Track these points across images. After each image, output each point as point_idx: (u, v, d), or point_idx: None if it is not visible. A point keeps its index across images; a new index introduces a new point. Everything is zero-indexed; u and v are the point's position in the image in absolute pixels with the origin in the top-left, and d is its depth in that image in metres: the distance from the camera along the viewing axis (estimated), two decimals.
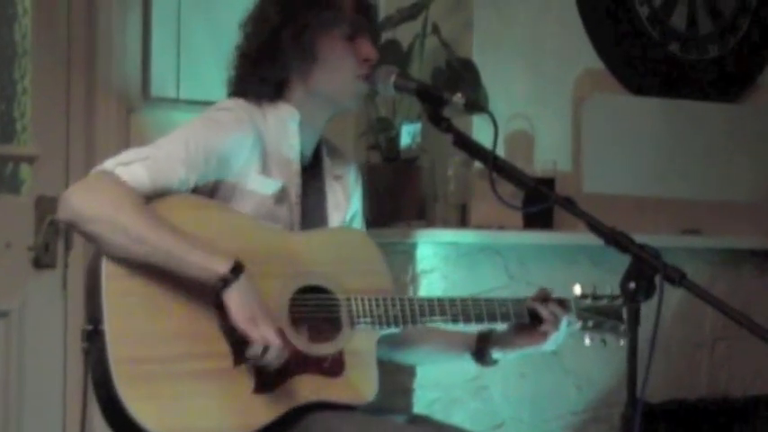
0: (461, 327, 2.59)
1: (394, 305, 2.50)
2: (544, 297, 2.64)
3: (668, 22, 4.02)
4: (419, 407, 3.32)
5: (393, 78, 2.51)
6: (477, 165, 2.56)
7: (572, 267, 3.59)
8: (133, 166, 2.30)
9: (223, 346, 2.30)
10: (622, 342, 2.66)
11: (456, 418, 3.31)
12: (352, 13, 2.55)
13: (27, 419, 3.28)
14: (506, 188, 2.41)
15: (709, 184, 3.98)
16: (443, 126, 2.45)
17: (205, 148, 2.40)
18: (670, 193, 3.90)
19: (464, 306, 2.57)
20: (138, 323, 2.26)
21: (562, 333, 2.65)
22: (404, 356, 2.76)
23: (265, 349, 2.25)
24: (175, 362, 2.26)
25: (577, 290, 2.69)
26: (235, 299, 2.26)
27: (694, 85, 4.05)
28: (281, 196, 2.51)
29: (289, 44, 2.51)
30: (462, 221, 3.54)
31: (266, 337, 2.25)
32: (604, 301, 2.69)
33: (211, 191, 2.44)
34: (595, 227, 2.24)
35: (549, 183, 3.48)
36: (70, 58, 3.34)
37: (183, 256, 2.25)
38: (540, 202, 2.40)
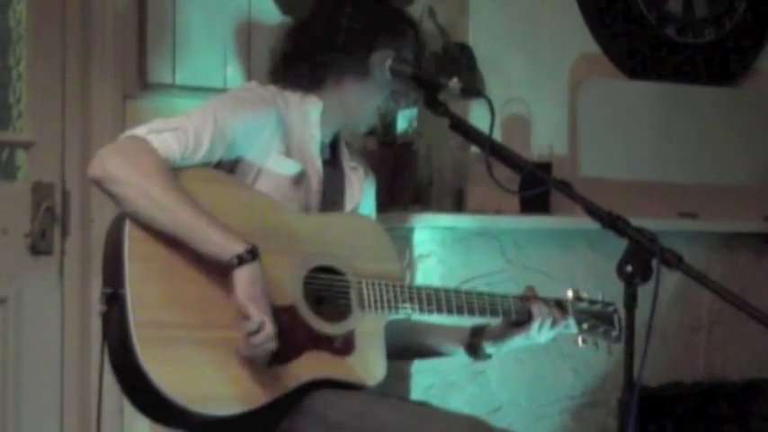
0: (465, 318, 2.64)
1: (403, 292, 2.55)
2: (536, 295, 2.68)
3: (664, 6, 4.01)
4: (416, 392, 3.32)
5: (389, 63, 2.51)
6: (474, 149, 2.55)
7: (569, 251, 3.59)
8: (165, 135, 2.36)
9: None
10: (613, 346, 2.72)
11: (453, 403, 3.31)
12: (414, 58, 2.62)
13: (24, 406, 3.27)
14: (503, 172, 2.41)
15: (706, 167, 3.97)
16: (440, 111, 2.46)
17: (231, 122, 2.46)
18: (666, 176, 3.90)
19: (469, 299, 2.61)
20: (158, 288, 2.29)
21: (553, 332, 2.70)
22: (400, 352, 2.77)
23: (257, 330, 2.27)
24: (193, 329, 2.30)
25: (570, 293, 2.76)
26: (244, 276, 2.28)
27: (690, 68, 4.04)
28: (299, 179, 2.56)
29: (355, 50, 2.57)
30: (459, 206, 3.53)
31: (262, 318, 2.27)
32: (598, 307, 2.77)
33: (231, 168, 2.50)
34: (592, 211, 2.25)
35: (545, 167, 3.48)
36: (65, 44, 3.32)
37: (202, 230, 2.29)
38: (537, 187, 2.42)
